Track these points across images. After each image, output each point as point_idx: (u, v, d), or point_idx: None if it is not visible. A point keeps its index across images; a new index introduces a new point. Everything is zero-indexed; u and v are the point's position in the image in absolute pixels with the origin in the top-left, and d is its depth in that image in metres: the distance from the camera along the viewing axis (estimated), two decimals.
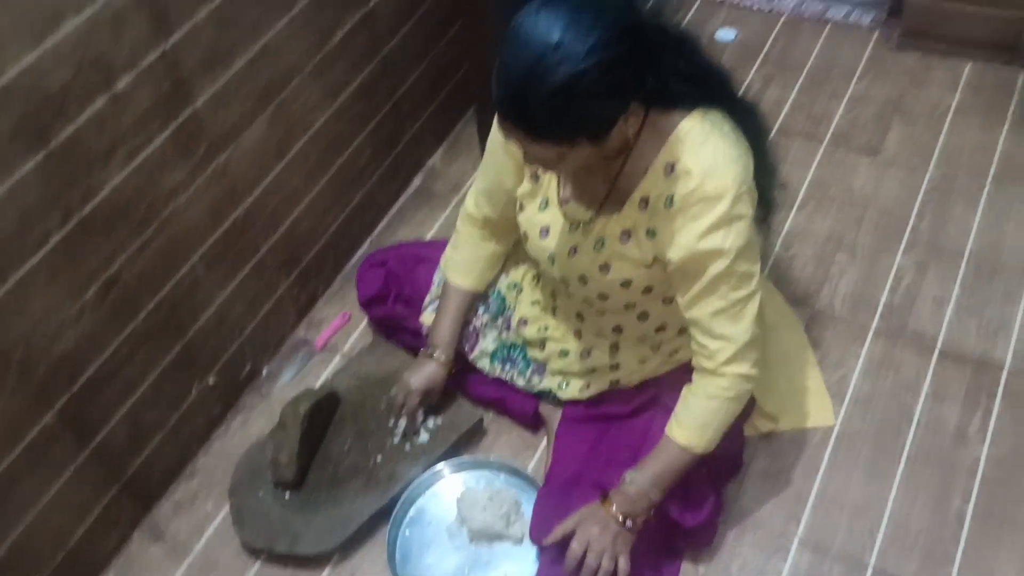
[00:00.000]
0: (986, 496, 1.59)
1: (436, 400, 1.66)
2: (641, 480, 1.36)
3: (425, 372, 1.62)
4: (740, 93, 1.36)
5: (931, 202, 2.04)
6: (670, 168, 1.24)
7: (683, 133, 1.23)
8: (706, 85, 1.26)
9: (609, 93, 1.10)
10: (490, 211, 1.55)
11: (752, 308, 1.30)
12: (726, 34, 2.52)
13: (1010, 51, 2.27)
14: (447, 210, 2.18)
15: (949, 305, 1.86)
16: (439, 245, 1.74)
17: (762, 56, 2.45)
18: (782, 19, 2.55)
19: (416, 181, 2.25)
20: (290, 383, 1.87)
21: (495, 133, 1.43)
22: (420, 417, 1.66)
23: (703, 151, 1.22)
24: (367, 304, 1.82)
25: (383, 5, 1.90)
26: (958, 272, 1.91)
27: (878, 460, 1.65)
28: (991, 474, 1.61)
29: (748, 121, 1.32)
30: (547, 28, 1.06)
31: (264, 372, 1.90)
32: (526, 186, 1.43)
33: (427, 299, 1.70)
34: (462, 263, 1.62)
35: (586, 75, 1.06)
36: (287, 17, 1.64)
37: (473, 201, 1.58)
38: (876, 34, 2.46)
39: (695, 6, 2.63)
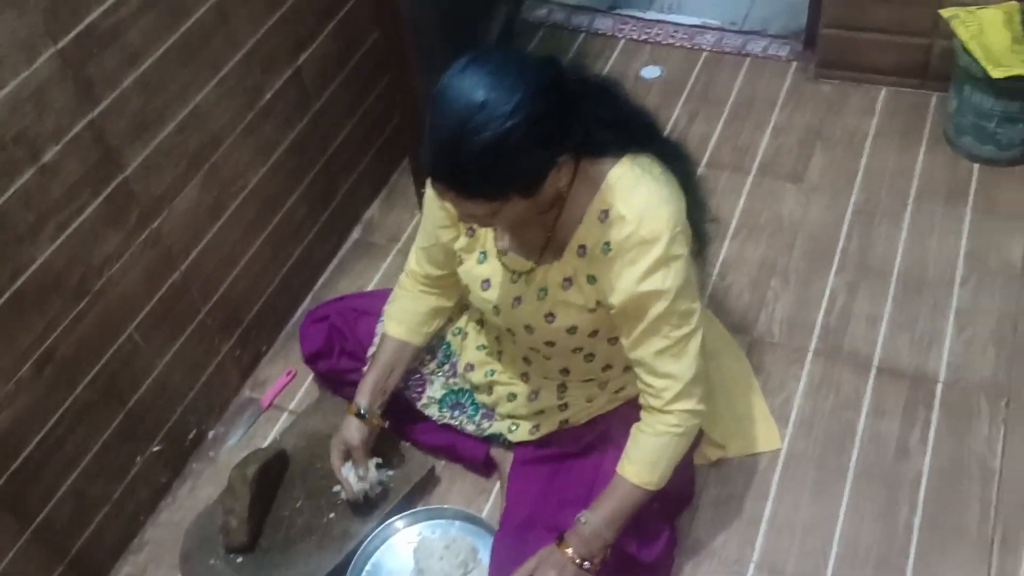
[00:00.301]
0: (931, 507, 1.63)
1: (365, 453, 1.57)
2: (595, 520, 1.36)
3: (341, 428, 1.57)
4: (666, 132, 1.40)
5: (857, 224, 2.11)
6: (604, 215, 1.26)
7: (614, 180, 1.26)
8: (631, 130, 1.30)
9: (537, 148, 1.13)
10: (432, 268, 1.55)
11: (695, 344, 1.33)
12: (651, 71, 2.59)
13: (920, 75, 2.36)
14: (387, 260, 2.19)
15: (882, 323, 1.91)
16: (381, 296, 1.74)
17: (687, 92, 2.52)
18: (704, 55, 2.63)
19: (354, 234, 2.26)
20: (237, 445, 1.85)
21: (430, 191, 1.45)
22: (353, 473, 1.57)
23: (635, 196, 1.25)
24: (311, 360, 1.81)
25: (310, 63, 1.92)
26: (888, 290, 1.97)
27: (825, 479, 1.69)
28: (934, 485, 1.65)
29: (676, 161, 1.36)
30: (472, 88, 1.09)
31: (210, 436, 1.87)
32: (463, 240, 1.44)
33: (370, 351, 1.70)
34: (397, 313, 1.61)
35: (513, 132, 1.09)
36: (215, 80, 1.65)
37: (415, 259, 1.58)
38: (794, 65, 2.55)
39: (620, 46, 2.69)
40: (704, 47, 2.65)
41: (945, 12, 2.11)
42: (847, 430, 1.75)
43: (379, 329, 1.70)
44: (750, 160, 2.31)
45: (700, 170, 2.27)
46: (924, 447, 1.71)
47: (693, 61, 2.62)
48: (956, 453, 1.69)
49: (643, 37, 2.71)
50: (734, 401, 1.77)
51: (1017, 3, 2.10)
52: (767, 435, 1.75)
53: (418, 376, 1.68)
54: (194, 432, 1.84)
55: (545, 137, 1.13)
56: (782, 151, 2.32)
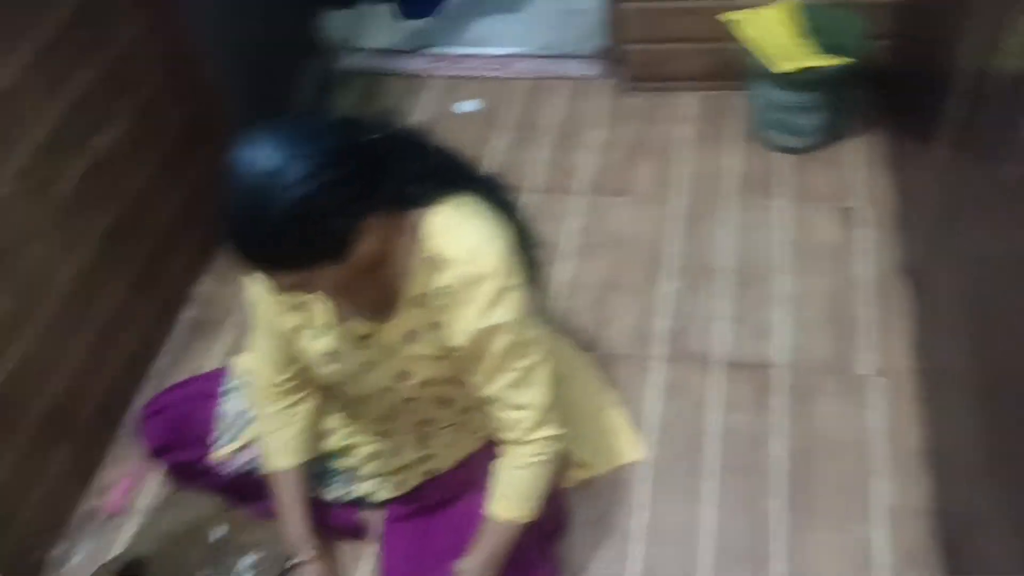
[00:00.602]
0: (791, 489, 1.68)
1: None
2: (474, 566, 1.35)
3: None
4: (485, 167, 1.41)
5: (687, 228, 2.18)
6: (433, 262, 1.25)
7: (436, 226, 1.25)
8: (446, 176, 1.30)
9: (337, 213, 1.10)
10: (289, 368, 1.48)
11: (544, 371, 1.33)
12: (470, 106, 2.61)
13: (725, 77, 2.47)
14: (226, 335, 2.11)
15: (720, 319, 1.98)
16: (218, 376, 1.68)
17: (509, 121, 2.56)
18: (521, 82, 2.68)
19: (188, 312, 2.16)
20: (85, 561, 1.72)
21: (255, 288, 1.38)
22: None
23: (460, 237, 1.25)
24: (155, 455, 1.71)
25: (113, 146, 1.84)
26: (722, 287, 2.04)
27: (691, 480, 1.72)
28: (791, 467, 1.71)
29: (495, 194, 1.37)
30: (263, 159, 1.07)
31: (52, 556, 1.74)
32: (295, 319, 1.39)
33: (214, 435, 1.62)
34: (278, 444, 1.52)
35: (309, 200, 1.06)
36: (3, 178, 1.55)
37: (267, 371, 1.49)
38: (608, 83, 2.62)
39: (437, 84, 2.71)
40: (520, 75, 2.70)
41: (727, 16, 2.22)
42: (704, 429, 1.79)
43: (220, 412, 1.62)
44: (579, 180, 2.35)
45: (533, 196, 2.30)
46: (777, 432, 1.77)
47: (511, 90, 2.66)
48: (805, 432, 1.76)
49: (458, 73, 2.73)
50: (593, 418, 1.79)
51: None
52: (629, 447, 1.78)
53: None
54: (33, 556, 1.70)
55: (346, 201, 1.11)
56: (609, 167, 2.38)
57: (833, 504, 1.65)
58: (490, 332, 1.26)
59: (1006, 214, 1.30)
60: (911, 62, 2.13)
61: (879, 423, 1.75)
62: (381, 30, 2.91)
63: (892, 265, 2.02)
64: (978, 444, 1.40)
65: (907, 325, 1.89)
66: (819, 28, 2.21)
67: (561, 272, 2.12)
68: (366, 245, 1.17)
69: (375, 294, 1.31)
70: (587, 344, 1.95)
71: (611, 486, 1.72)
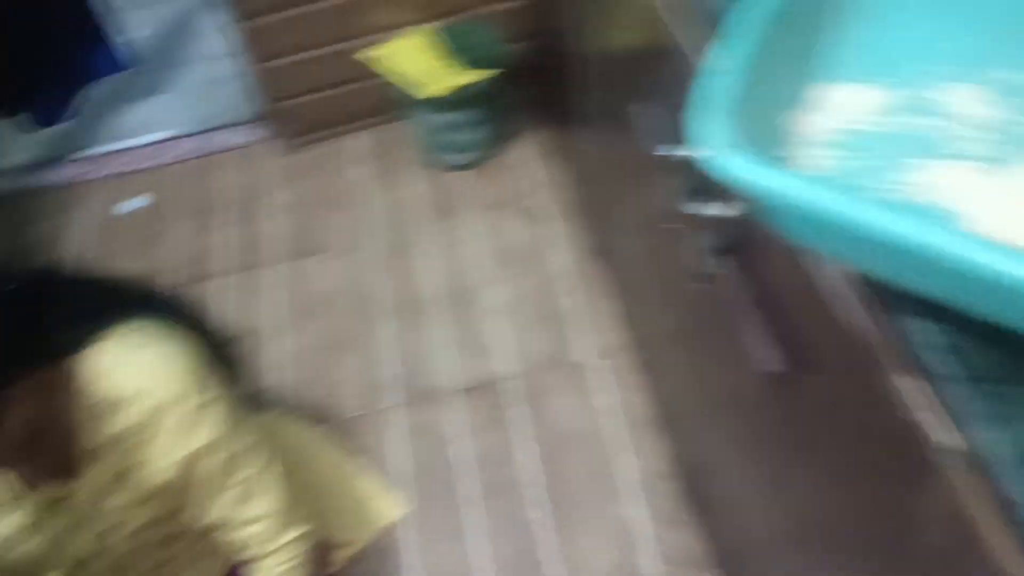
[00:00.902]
0: (548, 493, 1.72)
1: None
2: None
3: None
4: (150, 281, 1.30)
5: (389, 267, 2.18)
6: (111, 403, 1.14)
7: (104, 365, 1.13)
8: (105, 308, 1.18)
9: None
10: None
11: (272, 475, 1.25)
12: (135, 203, 2.45)
13: (386, 111, 2.49)
14: None
15: (444, 348, 1.99)
16: None
17: (185, 207, 2.42)
18: (186, 165, 2.55)
19: None
20: None
21: None
22: None
23: (135, 370, 1.13)
24: None
25: None
26: (438, 316, 2.05)
27: (457, 518, 1.72)
28: (542, 471, 1.75)
29: (168, 309, 1.27)
30: None
31: None
32: None
33: None
34: None
35: None
36: None
37: None
38: (276, 144, 2.56)
39: (97, 188, 2.51)
40: (183, 157, 2.57)
41: (362, 55, 2.23)
42: (454, 462, 1.80)
43: None
44: (271, 249, 2.28)
45: (229, 278, 2.20)
46: (521, 443, 1.80)
47: (178, 175, 2.53)
48: (547, 434, 1.81)
49: (116, 171, 2.55)
50: (343, 493, 1.73)
51: (434, 24, 2.28)
52: (388, 507, 1.73)
53: None
54: None
55: None
56: (298, 228, 2.32)
57: (588, 494, 1.71)
58: (195, 457, 1.17)
59: (633, 182, 1.41)
60: (549, 58, 2.25)
61: (611, 403, 1.84)
62: (16, 145, 2.65)
63: (584, 250, 2.12)
64: (691, 393, 1.50)
65: (612, 304, 2.00)
66: (462, 46, 2.27)
67: (278, 349, 2.04)
68: (14, 417, 1.04)
69: (50, 457, 1.17)
70: (323, 414, 1.89)
71: (380, 552, 1.68)
